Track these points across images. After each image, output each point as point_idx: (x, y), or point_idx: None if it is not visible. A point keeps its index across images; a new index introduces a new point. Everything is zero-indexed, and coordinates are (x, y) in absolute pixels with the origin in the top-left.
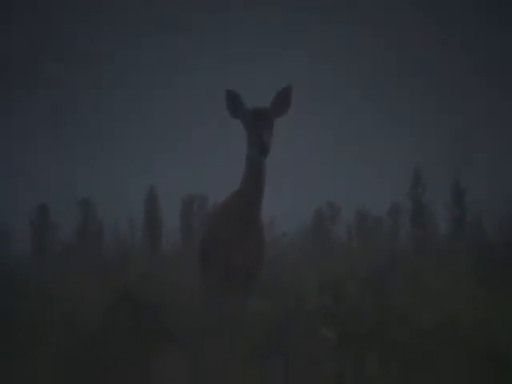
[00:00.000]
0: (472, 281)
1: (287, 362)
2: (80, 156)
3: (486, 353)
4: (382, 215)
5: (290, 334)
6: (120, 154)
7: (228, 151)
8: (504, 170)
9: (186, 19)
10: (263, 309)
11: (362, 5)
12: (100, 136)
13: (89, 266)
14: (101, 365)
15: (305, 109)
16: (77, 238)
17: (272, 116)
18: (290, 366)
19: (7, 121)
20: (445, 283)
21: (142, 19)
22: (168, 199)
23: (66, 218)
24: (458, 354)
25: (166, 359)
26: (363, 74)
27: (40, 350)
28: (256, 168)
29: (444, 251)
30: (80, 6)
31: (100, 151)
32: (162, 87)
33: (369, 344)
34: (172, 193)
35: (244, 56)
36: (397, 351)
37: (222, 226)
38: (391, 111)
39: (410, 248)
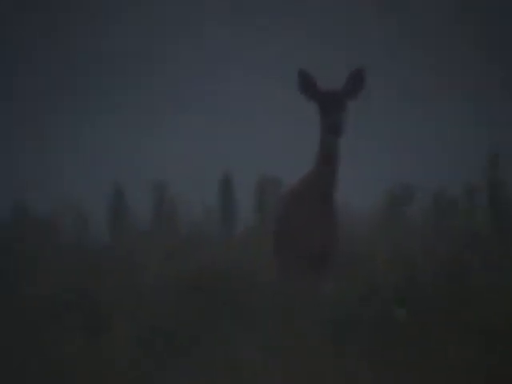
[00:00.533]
0: None
1: (361, 346)
2: (156, 141)
3: None
4: (457, 196)
5: (363, 317)
6: (191, 138)
7: (303, 132)
8: None
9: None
10: (338, 290)
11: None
12: (175, 122)
13: (164, 250)
14: (176, 339)
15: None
16: (152, 222)
17: (345, 98)
18: (363, 350)
19: (87, 103)
20: None
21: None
22: (243, 182)
23: (141, 202)
24: None
25: (240, 345)
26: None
27: (116, 331)
28: (328, 150)
29: None
30: None
31: (174, 136)
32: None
33: (442, 328)
34: (247, 176)
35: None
36: (473, 337)
37: (296, 206)
38: (468, 94)
39: (488, 229)
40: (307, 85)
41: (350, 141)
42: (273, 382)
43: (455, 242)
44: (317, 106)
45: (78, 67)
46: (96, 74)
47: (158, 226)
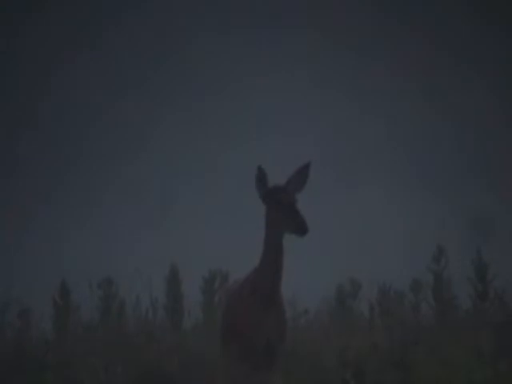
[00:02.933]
0: (495, 355)
1: None
2: (95, 235)
3: None
4: (403, 290)
5: None
6: (138, 231)
7: (248, 228)
8: None
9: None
10: None
11: None
12: (115, 214)
13: (112, 344)
14: None
15: (324, 184)
16: (99, 317)
17: (296, 193)
18: None
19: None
20: (467, 357)
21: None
22: (189, 276)
23: (87, 297)
24: None
25: None
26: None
27: None
28: (277, 245)
29: (467, 326)
30: None
31: (113, 230)
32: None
33: None
34: (193, 269)
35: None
36: None
37: (242, 301)
38: (412, 187)
39: (432, 323)
40: (264, 181)
41: (291, 236)
42: None
43: (401, 336)
44: (271, 203)
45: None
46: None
47: (105, 322)
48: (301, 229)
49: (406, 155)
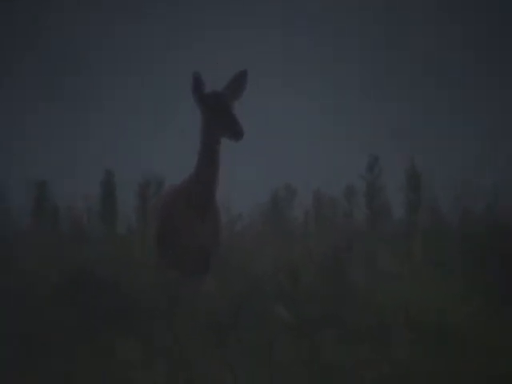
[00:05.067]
0: (427, 263)
1: (242, 341)
2: (34, 133)
3: (437, 332)
4: (337, 197)
5: (244, 314)
6: (73, 134)
7: (181, 133)
8: (459, 154)
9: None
10: (219, 289)
11: None
12: (54, 113)
13: (44, 248)
14: (49, 343)
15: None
16: (31, 221)
17: (232, 99)
18: (245, 346)
19: None
20: (399, 265)
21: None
22: (124, 182)
23: (19, 199)
24: (411, 334)
25: (119, 339)
26: (327, 58)
27: None
28: (212, 151)
29: (399, 234)
30: None
31: (50, 129)
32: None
33: (325, 327)
34: (128, 175)
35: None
36: (352, 334)
37: (177, 208)
38: (350, 90)
39: (365, 230)
40: (199, 86)
41: (229, 142)
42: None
43: (335, 242)
44: (209, 108)
45: None
46: None
47: (39, 224)
48: (235, 133)
49: (344, 53)
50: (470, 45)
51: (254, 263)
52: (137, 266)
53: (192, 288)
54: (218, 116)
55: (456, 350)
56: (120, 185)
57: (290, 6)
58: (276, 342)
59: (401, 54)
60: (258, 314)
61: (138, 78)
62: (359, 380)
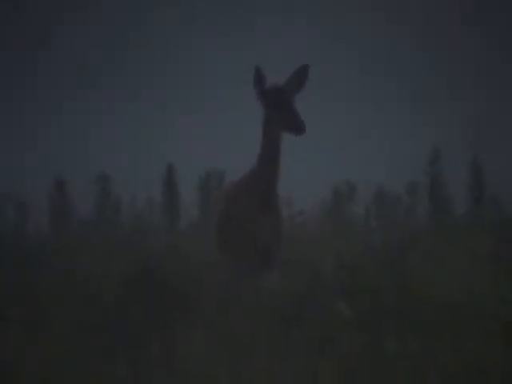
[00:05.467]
0: (490, 259)
1: (304, 335)
2: (97, 131)
3: (501, 326)
4: (400, 193)
5: (307, 308)
6: (136, 130)
7: (245, 127)
8: None
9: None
10: (281, 283)
11: None
12: (116, 113)
13: (107, 242)
14: (118, 337)
15: (320, 84)
16: (94, 214)
17: (293, 94)
18: (307, 339)
19: (25, 95)
20: (463, 262)
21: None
22: (186, 175)
23: (83, 193)
24: (472, 328)
25: (185, 333)
26: (379, 57)
27: (59, 323)
28: (275, 145)
29: (463, 230)
30: None
31: (115, 127)
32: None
33: (386, 321)
34: (190, 168)
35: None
36: (414, 328)
37: (239, 202)
38: (410, 89)
39: (428, 226)
40: (261, 81)
41: (291, 137)
42: (219, 380)
43: (397, 238)
44: (267, 102)
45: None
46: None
47: (102, 218)
48: (297, 128)
49: (407, 58)
50: None
51: (316, 258)
52: (199, 259)
53: (254, 282)
54: (280, 111)
55: None
56: (182, 178)
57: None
58: (338, 336)
59: (477, 55)
60: (320, 307)
61: (199, 79)
62: (424, 374)
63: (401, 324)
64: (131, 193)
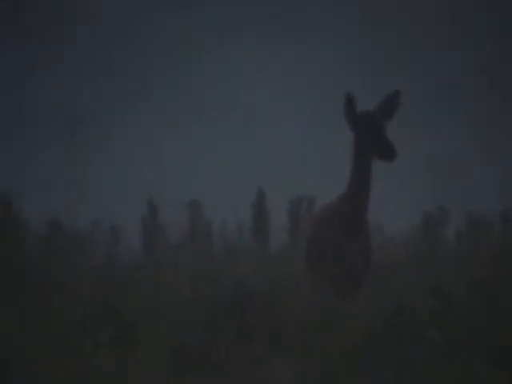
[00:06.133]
0: None
1: (391, 363)
2: (187, 158)
3: None
4: (492, 220)
5: (395, 335)
6: (224, 155)
7: (334, 152)
8: None
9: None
10: (369, 307)
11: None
12: (203, 139)
13: (198, 264)
14: (211, 356)
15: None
16: (186, 238)
17: (385, 120)
18: (395, 367)
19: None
20: None
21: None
22: (276, 200)
23: (174, 217)
24: None
25: (274, 356)
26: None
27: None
28: (366, 172)
29: None
30: None
31: (205, 152)
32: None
33: (479, 350)
34: (281, 194)
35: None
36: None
37: (329, 227)
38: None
39: None
40: (352, 107)
41: (379, 162)
42: None
43: (490, 265)
44: (357, 128)
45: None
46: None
47: (193, 243)
48: (388, 154)
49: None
50: None
51: (406, 283)
52: (289, 282)
53: (343, 306)
54: (370, 136)
55: None
56: (271, 203)
57: None
58: (426, 364)
59: None
60: (409, 334)
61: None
62: None
63: (493, 355)
64: (221, 217)
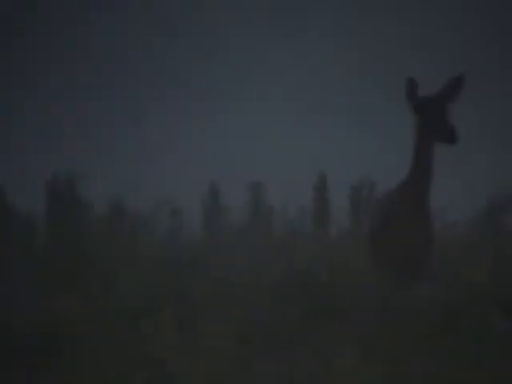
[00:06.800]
0: None
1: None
2: (249, 140)
3: None
4: None
5: (462, 323)
6: (289, 139)
7: (397, 135)
8: None
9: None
10: (433, 295)
11: None
12: (270, 120)
13: (259, 248)
14: (276, 340)
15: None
16: (247, 221)
17: (448, 103)
18: (460, 355)
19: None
20: None
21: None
22: (336, 184)
23: (236, 200)
24: None
25: (332, 339)
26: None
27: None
28: (428, 156)
29: None
30: None
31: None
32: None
33: None
34: (341, 178)
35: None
36: None
37: (392, 211)
38: None
39: None
40: (414, 90)
41: (445, 147)
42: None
43: None
44: (419, 112)
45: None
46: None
47: (254, 225)
48: (450, 137)
49: None
50: None
51: (469, 271)
52: (347, 265)
53: (405, 292)
54: (433, 120)
55: None
56: (332, 187)
57: None
58: (492, 349)
59: None
60: (475, 323)
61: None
62: None
63: None
64: (283, 200)
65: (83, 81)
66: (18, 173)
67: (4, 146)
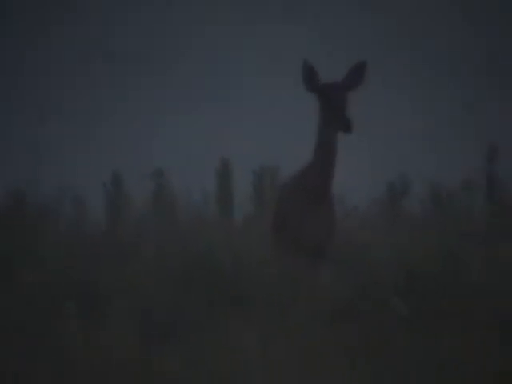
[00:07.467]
0: None
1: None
2: (151, 126)
3: None
4: (455, 190)
5: (360, 305)
6: (191, 125)
7: (300, 122)
8: None
9: None
10: (333, 280)
11: None
12: (170, 107)
13: (163, 235)
14: (174, 326)
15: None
16: (150, 208)
17: (348, 91)
18: (360, 335)
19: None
20: None
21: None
22: (241, 170)
23: (139, 187)
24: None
25: (236, 325)
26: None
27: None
28: (329, 143)
29: None
30: None
31: (170, 122)
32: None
33: (442, 320)
34: (244, 164)
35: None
36: (472, 329)
37: (292, 200)
38: (466, 84)
39: (485, 225)
40: (311, 77)
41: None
42: (270, 369)
43: (453, 237)
44: (319, 98)
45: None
46: (94, 63)
47: (157, 213)
48: (344, 125)
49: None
50: None
51: (370, 255)
52: (253, 253)
53: (307, 278)
54: (328, 108)
55: None
56: (236, 173)
57: None
58: (392, 335)
59: None
60: (374, 305)
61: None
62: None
63: (458, 323)
64: (186, 185)
65: None
66: None
67: None
